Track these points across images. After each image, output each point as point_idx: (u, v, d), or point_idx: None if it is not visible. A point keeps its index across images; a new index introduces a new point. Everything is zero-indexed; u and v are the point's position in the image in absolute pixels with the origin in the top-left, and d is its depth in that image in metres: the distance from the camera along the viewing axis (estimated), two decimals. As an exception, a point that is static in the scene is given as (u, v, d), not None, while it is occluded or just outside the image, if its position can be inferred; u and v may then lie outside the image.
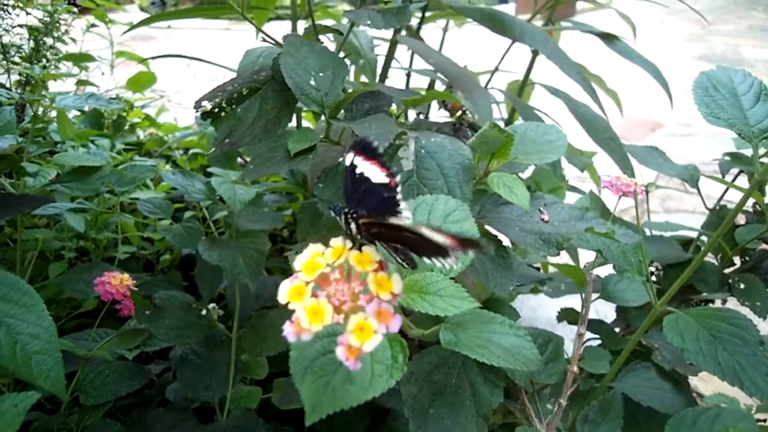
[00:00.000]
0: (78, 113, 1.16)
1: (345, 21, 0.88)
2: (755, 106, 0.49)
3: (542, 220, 0.47)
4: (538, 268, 0.73)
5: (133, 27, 0.90)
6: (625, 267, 0.50)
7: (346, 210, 0.28)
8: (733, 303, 0.72)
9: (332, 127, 0.44)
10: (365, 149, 0.33)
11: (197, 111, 0.45)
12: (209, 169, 0.71)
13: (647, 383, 0.58)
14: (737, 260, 0.75)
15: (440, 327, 0.36)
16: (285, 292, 0.23)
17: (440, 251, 0.26)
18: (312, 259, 0.24)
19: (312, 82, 0.44)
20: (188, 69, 2.49)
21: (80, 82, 1.17)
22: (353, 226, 0.28)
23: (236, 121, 0.46)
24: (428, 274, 0.31)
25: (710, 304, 0.72)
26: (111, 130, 1.10)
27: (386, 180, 0.32)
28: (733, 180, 0.77)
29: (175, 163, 1.19)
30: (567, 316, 0.71)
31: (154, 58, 0.96)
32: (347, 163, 0.33)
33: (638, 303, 0.62)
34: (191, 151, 1.19)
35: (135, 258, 0.99)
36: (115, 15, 1.29)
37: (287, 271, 0.99)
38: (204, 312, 0.69)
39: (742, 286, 0.68)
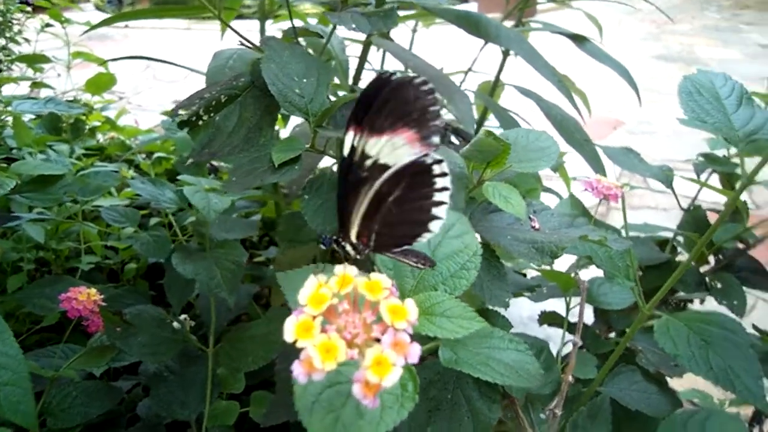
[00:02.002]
0: (33, 117, 1.10)
1: (311, 20, 0.86)
2: (738, 109, 0.49)
3: (533, 227, 0.46)
4: (524, 275, 0.72)
5: (93, 27, 0.86)
6: (613, 272, 0.50)
7: (334, 237, 0.27)
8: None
9: (318, 136, 0.42)
10: (378, 111, 0.26)
11: (173, 120, 0.43)
12: (180, 177, 0.68)
13: (633, 387, 0.58)
14: (711, 259, 0.76)
15: (437, 344, 0.35)
16: (291, 329, 0.21)
17: (420, 178, 0.25)
18: (317, 290, 0.22)
19: (296, 89, 0.42)
20: (148, 70, 2.42)
21: (35, 85, 1.12)
22: (349, 248, 0.26)
23: (215, 130, 0.43)
24: (432, 294, 0.30)
25: (688, 304, 0.73)
26: (70, 134, 1.05)
27: (419, 151, 0.27)
28: (707, 179, 0.78)
29: (138, 168, 1.14)
30: (549, 319, 0.71)
31: (116, 59, 0.92)
32: (347, 146, 0.27)
33: (621, 306, 0.62)
34: (155, 155, 1.14)
35: (98, 268, 0.95)
36: (70, 14, 1.23)
37: (258, 279, 0.96)
38: (177, 325, 0.66)
39: (719, 285, 0.69)
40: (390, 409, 0.25)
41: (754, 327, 0.70)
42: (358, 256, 0.26)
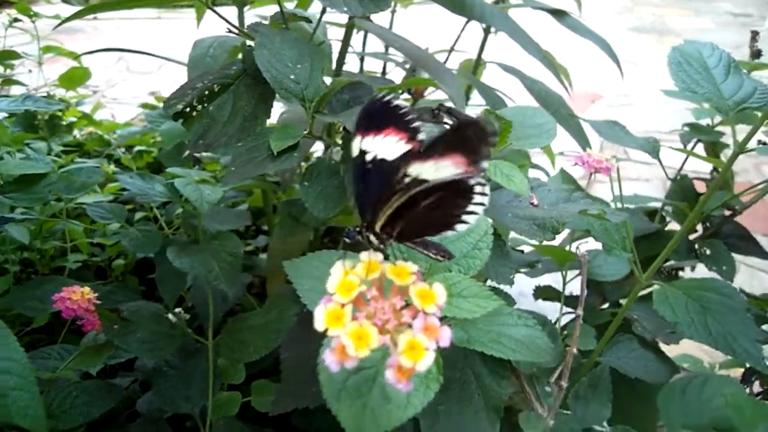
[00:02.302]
0: (6, 116, 1.07)
1: (288, 5, 0.84)
2: (727, 79, 0.50)
3: (532, 204, 0.46)
4: (521, 251, 0.73)
5: (64, 21, 0.83)
6: (611, 245, 0.51)
7: (358, 229, 0.27)
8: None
9: (315, 122, 0.42)
10: (374, 114, 0.28)
11: (167, 111, 0.42)
12: (168, 170, 0.67)
13: (631, 355, 0.60)
14: (699, 227, 0.78)
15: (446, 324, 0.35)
16: (321, 318, 0.21)
17: (459, 192, 0.25)
18: (344, 277, 0.22)
19: (291, 75, 0.41)
20: (121, 62, 2.36)
21: (6, 82, 1.08)
22: (373, 238, 0.26)
23: (209, 120, 0.42)
24: (448, 275, 0.30)
25: (680, 272, 0.74)
26: (46, 131, 1.02)
27: (408, 146, 0.28)
28: (693, 148, 0.79)
29: (119, 162, 1.12)
30: (544, 293, 0.72)
31: (89, 53, 0.89)
32: (354, 152, 0.28)
33: (616, 277, 0.63)
34: (136, 149, 1.12)
35: (85, 266, 0.93)
36: (38, 8, 1.19)
37: (249, 268, 0.96)
38: (174, 319, 0.66)
39: (707, 252, 0.70)
40: (416, 392, 0.25)
41: (741, 291, 0.72)
42: (381, 246, 0.26)
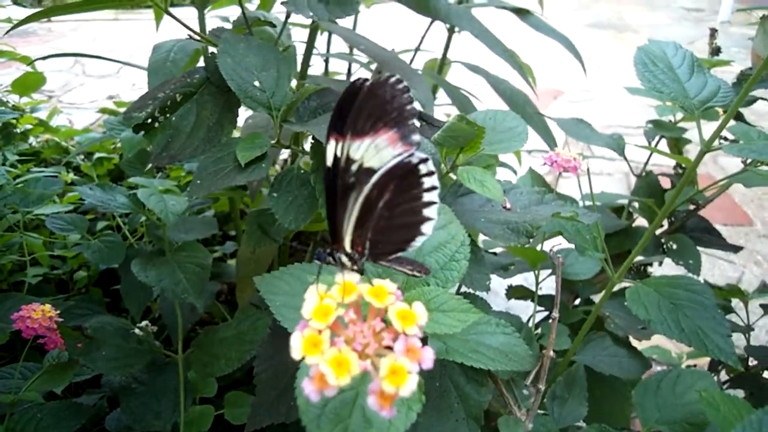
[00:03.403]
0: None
1: (249, 6, 0.82)
2: (691, 78, 0.50)
3: (504, 208, 0.46)
4: (494, 254, 0.73)
5: (17, 24, 0.80)
6: (583, 246, 0.51)
7: (328, 251, 0.26)
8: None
9: (283, 130, 0.41)
10: (358, 120, 0.26)
11: (128, 123, 0.40)
12: (130, 180, 0.65)
13: (605, 352, 0.60)
14: (665, 222, 0.79)
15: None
16: (298, 346, 0.20)
17: (407, 180, 0.24)
18: (320, 301, 0.21)
19: (256, 83, 0.40)
20: (77, 65, 2.28)
21: (-45, 89, 1.04)
22: (345, 259, 0.25)
23: (173, 131, 0.41)
24: (426, 289, 0.29)
25: (648, 267, 0.75)
26: (0, 140, 0.98)
27: (399, 150, 0.26)
28: (657, 144, 0.80)
29: (78, 170, 1.09)
30: (517, 293, 0.72)
31: (44, 57, 0.86)
32: (329, 158, 0.26)
33: (587, 276, 0.64)
34: (96, 156, 1.09)
35: (46, 280, 0.90)
36: (-14, 10, 1.14)
37: (217, 276, 0.94)
38: (141, 334, 0.64)
39: (674, 246, 0.72)
40: (398, 414, 0.24)
41: (705, 282, 0.73)
42: (354, 267, 0.25)
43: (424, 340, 0.22)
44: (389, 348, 0.20)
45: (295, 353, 0.20)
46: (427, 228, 0.26)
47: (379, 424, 0.24)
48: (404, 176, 0.25)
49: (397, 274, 0.28)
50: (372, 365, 0.20)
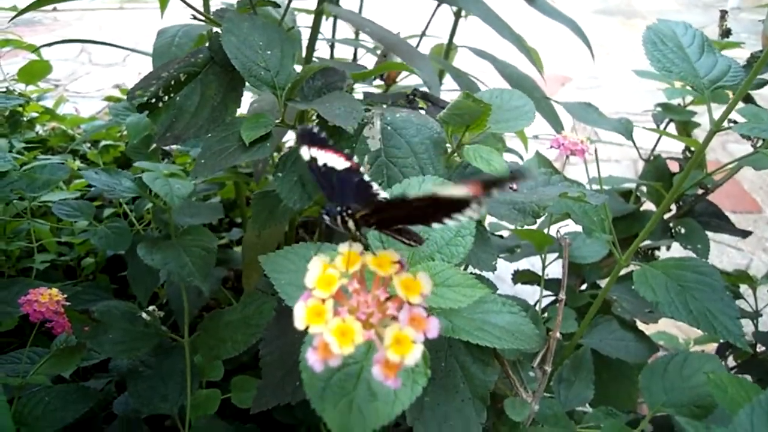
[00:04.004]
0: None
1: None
2: (701, 57, 0.49)
3: (511, 188, 0.46)
4: (501, 236, 0.72)
5: (21, 12, 0.79)
6: (591, 227, 0.51)
7: (340, 209, 0.25)
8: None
9: (288, 110, 0.40)
10: (313, 139, 0.31)
11: (132, 102, 0.40)
12: (135, 164, 0.65)
13: (611, 336, 0.60)
14: (673, 206, 0.78)
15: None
16: (301, 315, 0.19)
17: (456, 206, 0.24)
18: (324, 271, 0.21)
19: (260, 62, 0.39)
20: (83, 54, 2.28)
21: (-38, 77, 1.04)
22: (351, 224, 0.25)
23: (177, 110, 0.41)
24: (431, 264, 0.29)
25: (656, 251, 0.75)
26: (7, 128, 0.98)
27: (348, 164, 0.31)
28: (665, 128, 0.79)
29: (84, 158, 1.09)
30: (524, 277, 0.72)
31: (49, 44, 0.86)
32: (305, 158, 0.31)
33: (595, 259, 0.63)
34: (102, 143, 1.09)
35: (54, 266, 0.90)
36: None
37: (224, 262, 0.94)
38: (147, 318, 0.64)
39: (682, 230, 0.71)
40: (404, 387, 0.24)
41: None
42: (358, 233, 0.25)
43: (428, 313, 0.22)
44: (394, 318, 0.20)
45: (299, 322, 0.19)
46: (438, 225, 0.26)
47: (385, 397, 0.23)
48: (454, 203, 0.25)
49: (402, 245, 0.28)
50: (376, 335, 0.20)
